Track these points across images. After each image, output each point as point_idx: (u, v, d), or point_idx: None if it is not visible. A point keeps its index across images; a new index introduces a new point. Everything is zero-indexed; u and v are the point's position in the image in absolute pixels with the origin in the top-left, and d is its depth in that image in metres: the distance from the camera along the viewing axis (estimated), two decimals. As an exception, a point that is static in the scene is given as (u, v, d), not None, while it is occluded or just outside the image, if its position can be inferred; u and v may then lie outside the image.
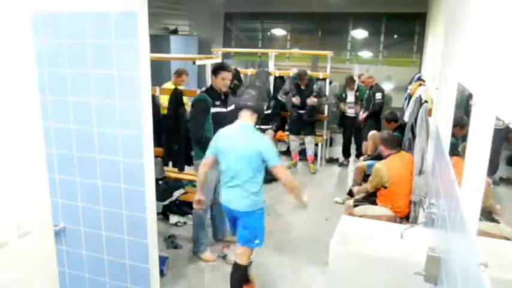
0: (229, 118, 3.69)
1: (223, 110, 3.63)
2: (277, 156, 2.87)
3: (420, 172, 3.47)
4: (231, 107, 3.74)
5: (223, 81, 3.59)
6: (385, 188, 3.73)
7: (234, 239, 4.03)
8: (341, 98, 6.63)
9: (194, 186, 4.67)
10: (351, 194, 5.08)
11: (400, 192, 3.68)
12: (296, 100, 6.09)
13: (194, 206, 3.26)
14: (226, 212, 3.03)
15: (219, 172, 3.71)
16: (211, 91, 3.62)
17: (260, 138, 2.86)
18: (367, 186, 3.95)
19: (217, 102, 3.58)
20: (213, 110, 3.55)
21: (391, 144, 3.91)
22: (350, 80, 6.53)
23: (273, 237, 4.23)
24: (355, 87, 6.51)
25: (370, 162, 4.79)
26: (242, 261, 2.93)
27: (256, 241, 2.91)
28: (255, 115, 2.88)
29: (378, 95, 6.26)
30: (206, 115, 3.53)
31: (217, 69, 3.62)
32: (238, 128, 2.88)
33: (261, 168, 2.84)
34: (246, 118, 2.87)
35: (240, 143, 2.80)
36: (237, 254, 2.97)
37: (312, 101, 6.03)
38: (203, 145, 3.61)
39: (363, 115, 6.31)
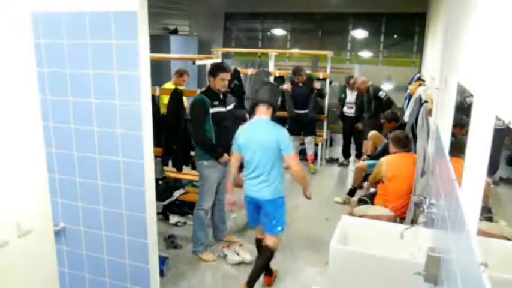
0: (229, 117, 3.70)
1: (222, 109, 3.62)
2: (292, 146, 3.08)
3: (422, 173, 3.47)
4: (230, 106, 3.74)
5: (223, 82, 3.58)
6: (383, 182, 3.77)
7: (234, 239, 4.06)
8: (341, 99, 6.63)
9: (194, 186, 4.67)
10: (351, 194, 5.08)
11: (397, 191, 3.68)
12: (287, 87, 6.11)
13: (227, 208, 3.48)
14: (249, 202, 3.19)
15: (222, 173, 3.73)
16: (209, 92, 3.60)
17: (278, 129, 3.06)
18: (370, 177, 4.08)
19: (216, 103, 3.57)
20: (212, 110, 3.54)
21: (400, 144, 3.93)
22: (350, 80, 6.50)
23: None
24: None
25: (370, 162, 4.80)
26: (270, 245, 3.18)
27: (279, 228, 3.14)
28: (270, 109, 3.08)
29: (382, 93, 6.20)
30: (205, 116, 3.53)
31: (216, 70, 3.59)
32: (256, 122, 3.10)
33: (280, 158, 3.04)
34: (263, 112, 3.07)
35: (259, 136, 3.02)
36: (267, 240, 3.19)
37: (317, 83, 6.08)
38: (205, 146, 3.61)
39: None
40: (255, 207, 3.18)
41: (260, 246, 3.30)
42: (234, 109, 3.83)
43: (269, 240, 3.17)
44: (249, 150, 3.04)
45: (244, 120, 4.45)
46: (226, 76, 3.61)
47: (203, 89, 3.79)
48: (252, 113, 3.23)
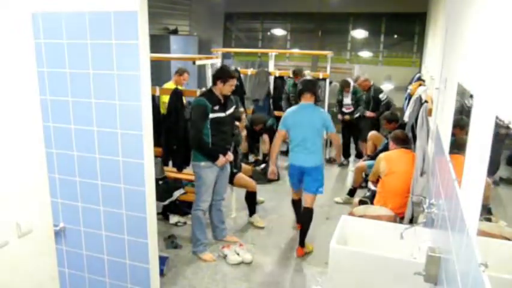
0: (228, 122, 3.69)
1: (222, 114, 3.59)
2: (334, 125, 3.87)
3: (422, 173, 3.47)
4: (230, 111, 3.71)
5: (231, 87, 3.60)
6: (381, 178, 3.79)
7: (234, 239, 4.06)
8: (339, 100, 6.68)
9: (194, 186, 4.67)
10: (351, 194, 5.09)
11: (394, 187, 3.68)
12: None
13: (269, 175, 4.15)
14: (294, 171, 3.88)
15: (219, 173, 3.73)
16: (211, 96, 3.57)
17: (322, 112, 3.91)
18: (370, 176, 4.17)
19: (216, 107, 3.55)
20: (211, 115, 3.51)
21: (399, 141, 3.98)
22: (345, 84, 6.57)
23: (272, 237, 4.23)
24: (350, 89, 6.52)
25: (370, 162, 4.80)
26: (311, 206, 3.88)
27: (321, 189, 3.85)
28: (313, 97, 3.86)
29: (382, 96, 6.26)
30: (205, 120, 3.51)
31: (226, 76, 3.54)
32: (304, 106, 3.85)
33: (322, 134, 3.86)
34: (308, 99, 3.84)
35: (308, 116, 3.77)
36: (307, 201, 3.88)
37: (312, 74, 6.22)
38: (202, 149, 3.61)
39: (370, 113, 6.28)
40: (299, 174, 3.85)
41: (296, 205, 4.10)
42: (232, 112, 3.80)
43: (309, 203, 3.86)
44: (298, 128, 3.76)
45: (239, 120, 4.45)
46: (234, 82, 3.65)
47: (203, 89, 3.76)
48: (298, 99, 3.94)
